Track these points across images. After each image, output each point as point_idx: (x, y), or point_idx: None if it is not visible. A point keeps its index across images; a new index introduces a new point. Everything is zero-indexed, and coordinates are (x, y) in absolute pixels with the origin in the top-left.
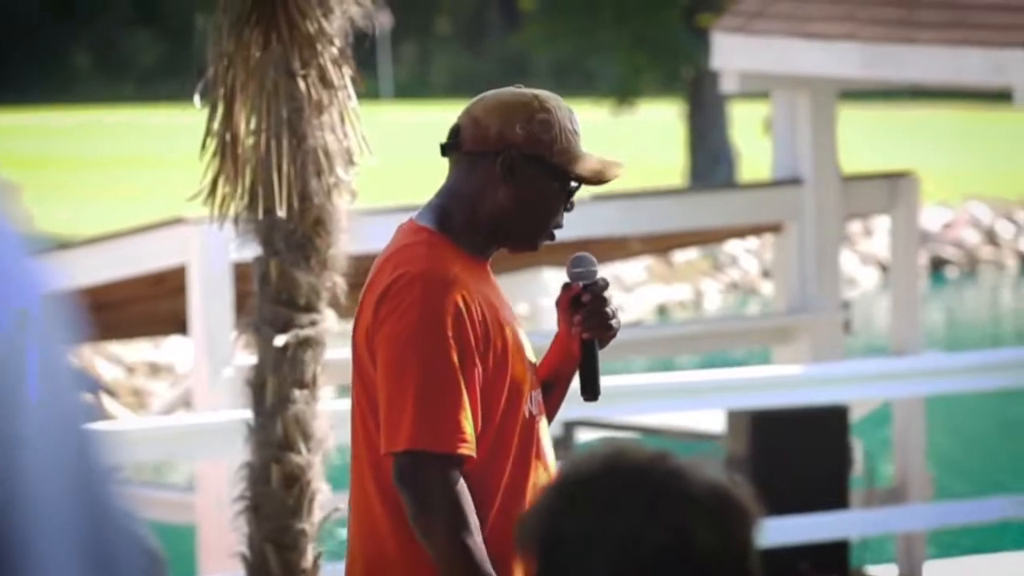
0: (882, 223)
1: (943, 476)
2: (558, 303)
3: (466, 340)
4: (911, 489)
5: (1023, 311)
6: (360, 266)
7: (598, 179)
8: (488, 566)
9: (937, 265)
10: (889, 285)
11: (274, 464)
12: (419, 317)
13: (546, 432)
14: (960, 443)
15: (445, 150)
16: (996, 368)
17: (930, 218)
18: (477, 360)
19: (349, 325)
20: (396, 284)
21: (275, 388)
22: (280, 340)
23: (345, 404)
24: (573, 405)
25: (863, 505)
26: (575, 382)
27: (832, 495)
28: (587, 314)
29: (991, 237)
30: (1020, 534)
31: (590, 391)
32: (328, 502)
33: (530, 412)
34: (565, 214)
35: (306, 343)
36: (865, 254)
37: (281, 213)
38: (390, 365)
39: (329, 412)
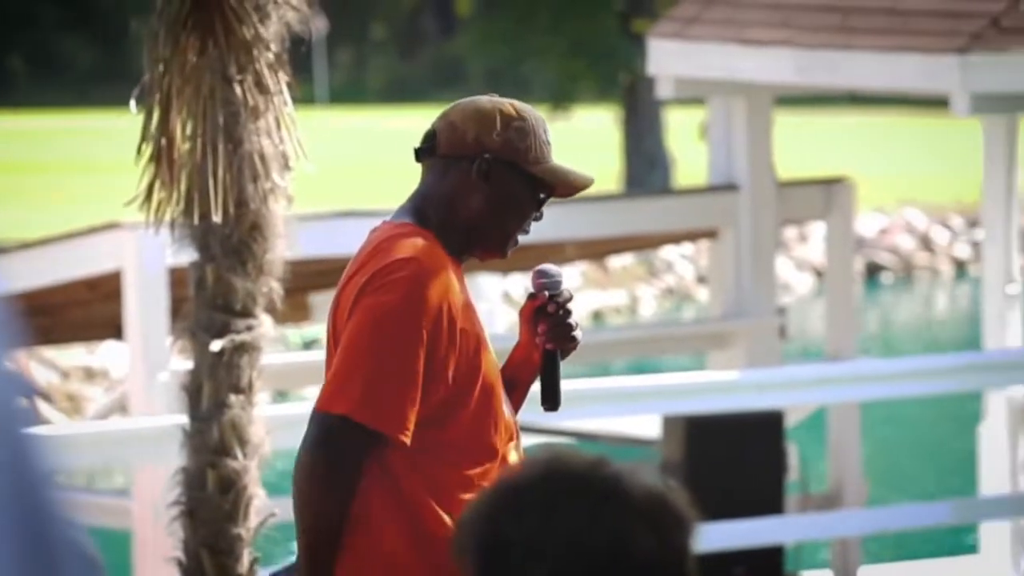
0: (817, 229)
1: (878, 482)
2: (521, 312)
3: (440, 336)
4: (846, 494)
5: (958, 317)
6: (296, 271)
7: (570, 188)
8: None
9: (872, 271)
10: (824, 291)
11: (210, 469)
12: (401, 299)
13: (517, 444)
14: (895, 449)
15: (419, 154)
16: (931, 374)
17: (865, 224)
18: (449, 360)
19: (285, 330)
20: (389, 266)
21: (211, 393)
22: (216, 345)
23: (279, 409)
24: None
25: (798, 510)
26: (532, 390)
27: (767, 500)
28: (551, 325)
29: (926, 243)
30: (954, 540)
31: (551, 401)
32: (264, 507)
33: (508, 414)
34: (532, 222)
35: (242, 348)
36: (800, 260)
37: (217, 218)
38: (358, 331)
39: (265, 417)
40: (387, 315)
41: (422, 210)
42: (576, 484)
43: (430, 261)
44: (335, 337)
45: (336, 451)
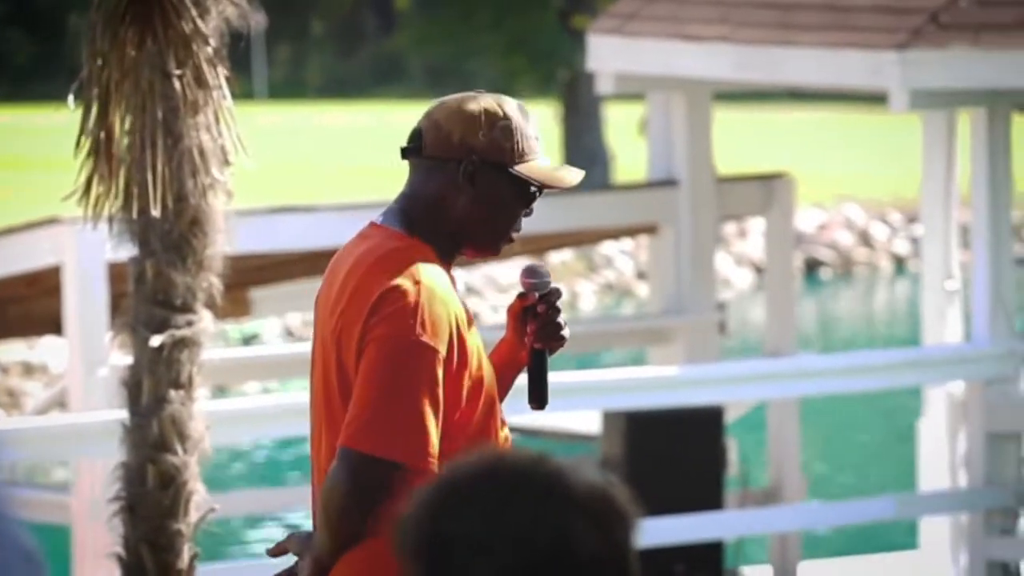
0: (757, 225)
1: (817, 478)
2: (509, 311)
3: (451, 357)
4: (785, 490)
5: (897, 312)
6: (236, 266)
7: (557, 186)
8: None
9: (811, 266)
10: (764, 286)
11: (150, 464)
12: (413, 329)
13: (506, 440)
14: (834, 444)
15: (405, 153)
16: (870, 369)
17: (805, 220)
18: (462, 377)
19: (225, 326)
20: (394, 292)
21: (151, 388)
22: (156, 340)
23: (219, 405)
24: None
25: (738, 506)
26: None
27: (707, 496)
28: (541, 324)
29: (865, 239)
30: (894, 535)
31: (538, 400)
32: (204, 502)
33: (502, 421)
34: (524, 219)
35: (182, 343)
36: (740, 255)
37: (156, 213)
38: (376, 366)
39: (205, 412)
40: (402, 348)
41: (409, 213)
42: (518, 480)
43: (432, 280)
44: (328, 335)
45: (366, 490)
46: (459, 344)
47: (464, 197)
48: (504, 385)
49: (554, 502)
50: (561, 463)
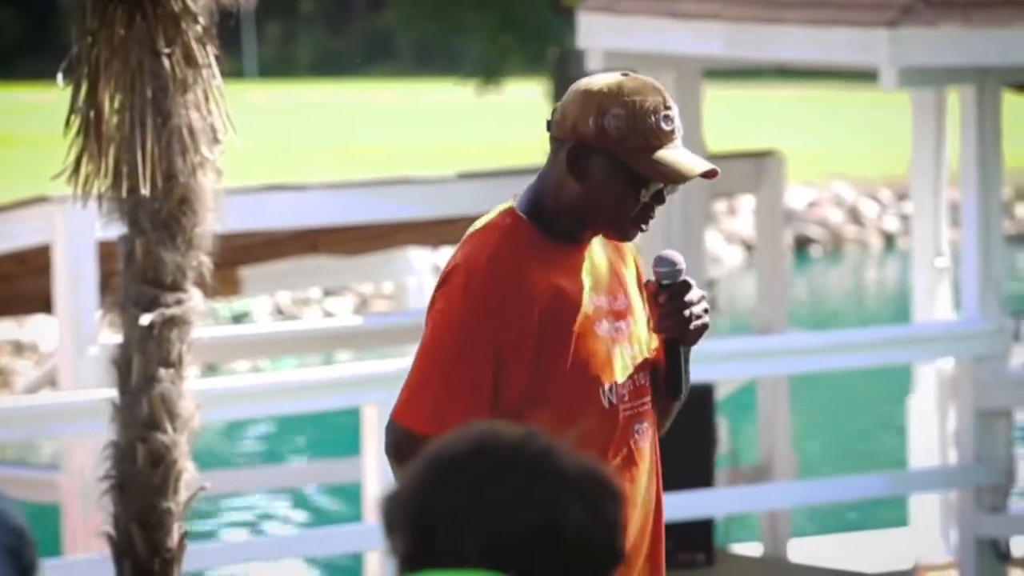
0: (747, 202)
1: (807, 454)
2: (647, 300)
3: (502, 332)
4: (776, 467)
5: (887, 289)
6: (226, 245)
7: (672, 180)
8: None
9: (802, 244)
10: (754, 264)
11: (140, 443)
12: (456, 305)
13: (643, 428)
14: (825, 421)
15: (548, 127)
16: (860, 346)
17: (795, 197)
18: (520, 351)
19: (215, 304)
20: (454, 270)
21: (141, 367)
22: (146, 319)
23: (210, 384)
24: None
25: (728, 483)
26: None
27: (697, 474)
28: (663, 315)
29: (855, 216)
30: (884, 512)
31: (673, 389)
32: (194, 481)
33: (610, 402)
34: (656, 206)
35: (172, 322)
36: (730, 233)
37: (145, 191)
38: (426, 340)
39: (195, 391)
40: (446, 324)
41: (538, 191)
42: (506, 457)
43: (493, 259)
44: None
45: (390, 454)
46: (518, 318)
47: (571, 182)
48: (660, 369)
49: (543, 480)
50: (550, 441)
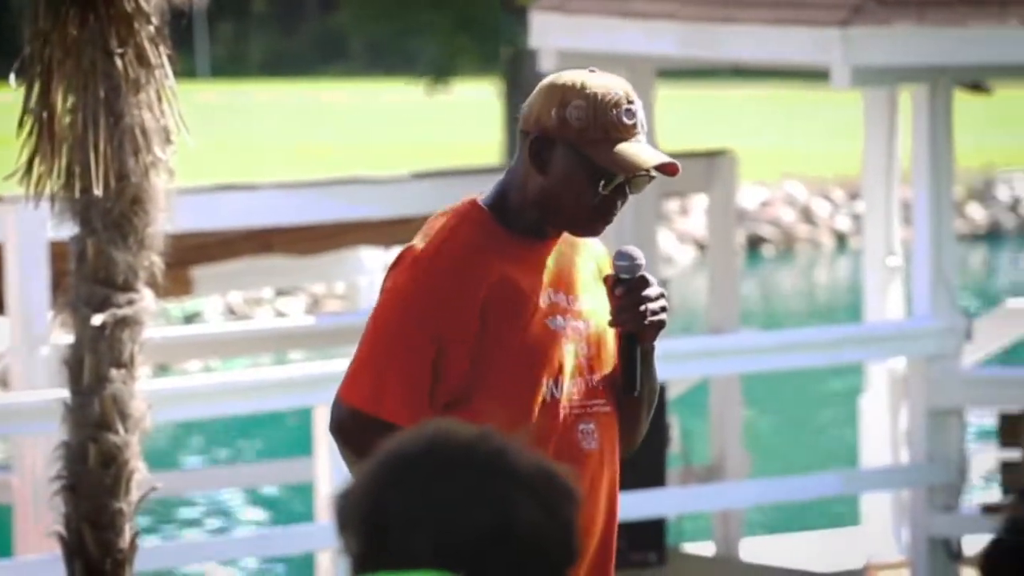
0: (699, 202)
1: (759, 454)
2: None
3: (444, 317)
4: (728, 467)
5: (839, 289)
6: (178, 245)
7: (627, 171)
8: None
9: (754, 243)
10: (706, 263)
11: (91, 443)
12: (403, 286)
13: (590, 429)
14: (777, 421)
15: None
16: (812, 346)
17: (747, 197)
18: (461, 336)
19: (167, 304)
20: (407, 252)
21: (92, 367)
22: (97, 319)
23: (162, 384)
24: None
25: (680, 483)
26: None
27: (649, 473)
28: (619, 308)
29: (807, 215)
30: (836, 511)
31: (627, 387)
32: (145, 481)
33: (552, 396)
34: (620, 202)
35: (123, 322)
36: (682, 232)
37: (98, 192)
38: (371, 318)
39: (147, 391)
40: (391, 305)
41: (505, 185)
42: (460, 456)
43: (443, 244)
44: None
45: (350, 441)
46: (462, 305)
47: (534, 174)
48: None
49: (496, 478)
50: (504, 441)
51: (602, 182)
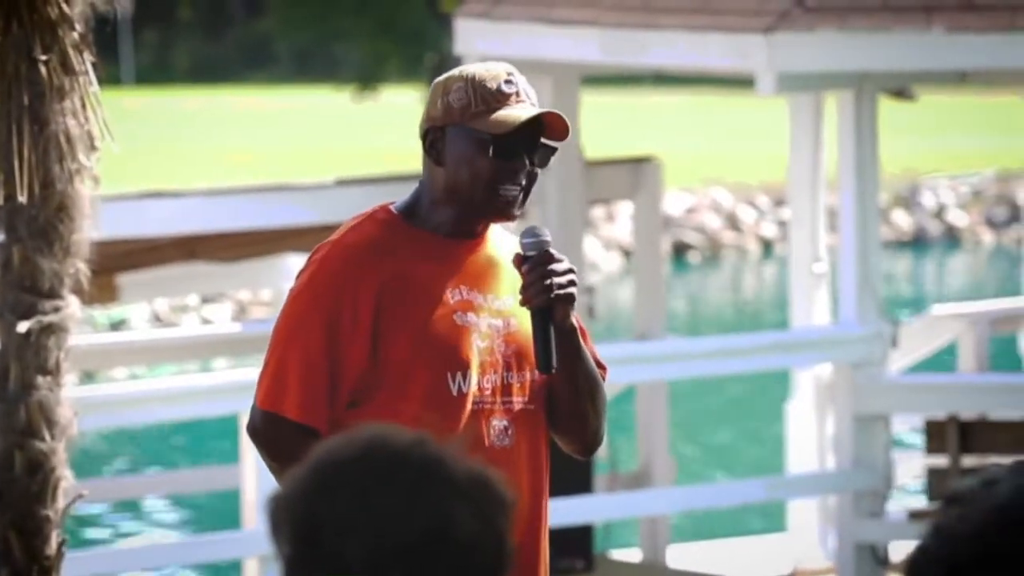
0: (625, 208)
1: (685, 461)
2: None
3: (335, 311)
4: (654, 473)
5: (765, 295)
6: (103, 252)
7: (503, 128)
8: None
9: (680, 250)
10: (632, 270)
11: (17, 451)
12: (303, 286)
13: (503, 426)
14: (703, 428)
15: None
16: (738, 352)
17: (673, 203)
18: (354, 330)
19: (93, 311)
20: (313, 253)
21: (18, 374)
22: (23, 326)
23: (88, 391)
24: None
25: (607, 490)
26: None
27: (575, 480)
28: (527, 284)
29: (733, 222)
30: (762, 518)
31: (542, 363)
32: (72, 489)
33: (460, 391)
34: (524, 177)
35: (49, 329)
36: (608, 239)
37: (23, 199)
38: (276, 320)
39: (73, 399)
40: (288, 305)
41: (415, 190)
42: (395, 462)
43: (339, 241)
44: None
45: (261, 443)
46: (360, 306)
47: (435, 168)
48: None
49: (432, 485)
50: (440, 447)
51: (490, 148)
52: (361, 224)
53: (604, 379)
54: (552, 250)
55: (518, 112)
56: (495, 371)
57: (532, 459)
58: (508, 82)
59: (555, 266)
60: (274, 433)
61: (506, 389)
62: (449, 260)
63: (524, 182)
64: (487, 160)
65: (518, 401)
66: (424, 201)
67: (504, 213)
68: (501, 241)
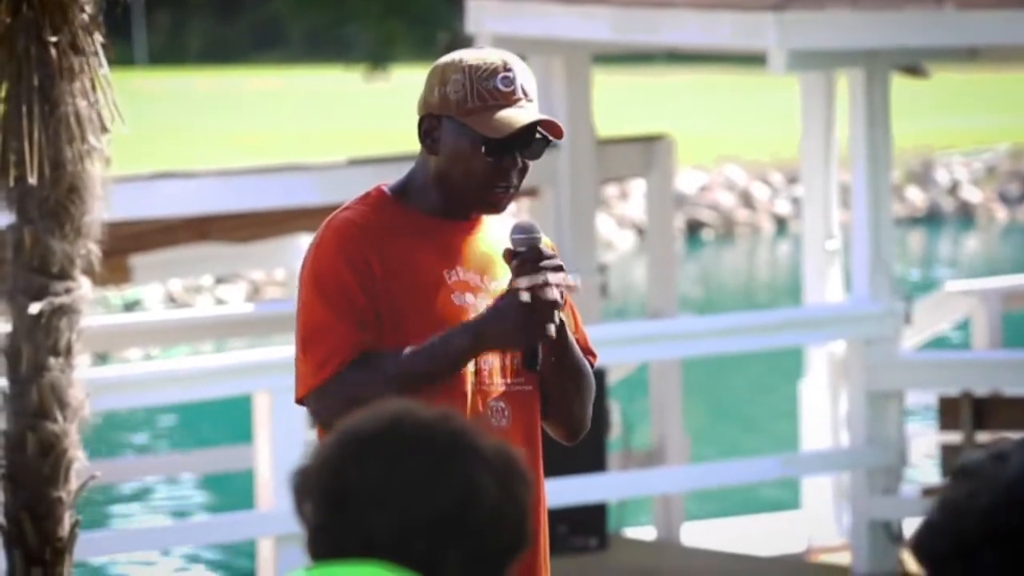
0: (638, 186)
1: (699, 438)
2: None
3: (350, 284)
4: (668, 451)
5: (778, 273)
6: (115, 233)
7: (498, 133)
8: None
9: (693, 228)
10: (645, 248)
11: (30, 432)
12: (310, 263)
13: (500, 407)
14: (716, 405)
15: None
16: (752, 330)
17: (686, 181)
18: (366, 304)
19: (105, 292)
20: (316, 234)
21: (30, 356)
22: (35, 308)
23: (100, 372)
24: None
25: (621, 468)
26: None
27: (589, 458)
28: (512, 281)
29: (746, 199)
30: (776, 495)
31: (527, 361)
32: (84, 470)
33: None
34: (514, 174)
35: (61, 311)
36: (621, 217)
37: (33, 180)
38: (297, 306)
39: (85, 380)
40: (305, 292)
41: (409, 172)
42: (422, 435)
43: (339, 223)
44: None
45: (332, 414)
46: (361, 277)
47: (429, 155)
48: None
49: (460, 456)
50: (465, 421)
51: (484, 147)
52: (357, 204)
53: (592, 365)
54: (542, 247)
55: (515, 115)
56: (492, 351)
57: (527, 439)
58: (506, 79)
59: (544, 263)
60: (337, 389)
61: (503, 369)
62: (444, 241)
63: (516, 180)
64: (480, 159)
65: (514, 381)
66: (417, 181)
67: (493, 208)
68: (498, 223)
